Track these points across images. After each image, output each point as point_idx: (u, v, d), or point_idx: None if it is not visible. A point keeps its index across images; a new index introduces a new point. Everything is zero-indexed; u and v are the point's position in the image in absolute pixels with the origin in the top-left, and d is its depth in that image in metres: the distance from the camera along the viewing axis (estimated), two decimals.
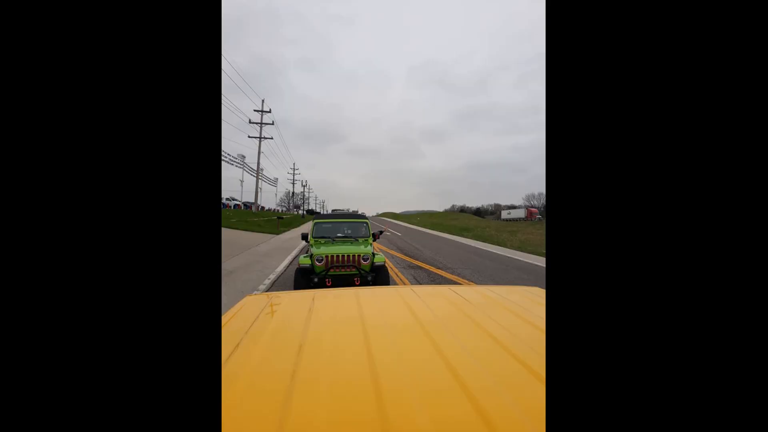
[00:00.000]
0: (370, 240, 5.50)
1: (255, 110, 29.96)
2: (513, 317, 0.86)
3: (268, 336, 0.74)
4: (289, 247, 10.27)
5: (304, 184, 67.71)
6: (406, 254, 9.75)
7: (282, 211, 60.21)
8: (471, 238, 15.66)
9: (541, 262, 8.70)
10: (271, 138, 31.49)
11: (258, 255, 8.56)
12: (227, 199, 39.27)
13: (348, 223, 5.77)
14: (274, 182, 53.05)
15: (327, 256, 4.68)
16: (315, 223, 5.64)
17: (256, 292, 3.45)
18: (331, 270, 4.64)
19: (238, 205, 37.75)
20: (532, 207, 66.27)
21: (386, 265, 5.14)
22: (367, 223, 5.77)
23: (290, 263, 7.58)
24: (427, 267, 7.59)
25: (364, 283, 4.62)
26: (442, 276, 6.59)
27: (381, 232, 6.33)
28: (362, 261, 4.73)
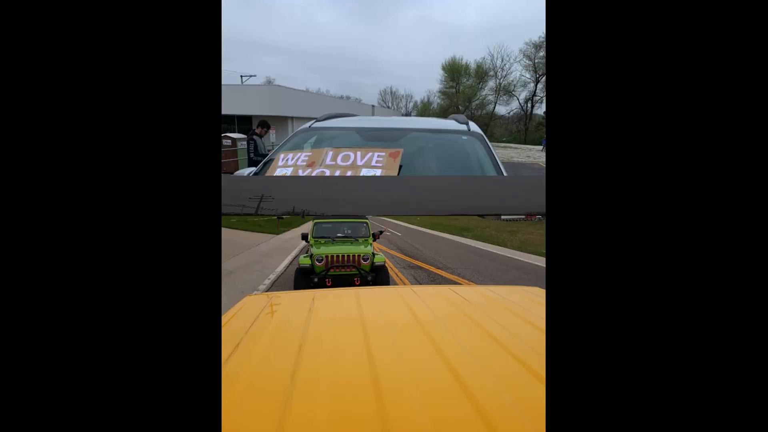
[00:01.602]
0: (370, 240, 5.49)
1: None
2: (513, 317, 0.86)
3: (268, 336, 0.74)
4: (289, 247, 10.26)
5: None
6: (406, 254, 9.74)
7: None
8: (471, 238, 15.64)
9: (540, 262, 8.69)
10: None
11: (258, 255, 8.56)
12: None
13: (348, 223, 5.76)
14: None
15: (327, 256, 4.67)
16: (315, 223, 5.63)
17: (256, 292, 3.45)
18: (331, 270, 4.63)
19: None
20: None
21: (386, 265, 5.13)
22: (367, 223, 5.75)
23: (290, 263, 7.57)
24: (427, 267, 7.58)
25: (364, 283, 4.61)
26: (442, 276, 6.58)
27: (381, 232, 6.32)
28: (362, 261, 4.72)
